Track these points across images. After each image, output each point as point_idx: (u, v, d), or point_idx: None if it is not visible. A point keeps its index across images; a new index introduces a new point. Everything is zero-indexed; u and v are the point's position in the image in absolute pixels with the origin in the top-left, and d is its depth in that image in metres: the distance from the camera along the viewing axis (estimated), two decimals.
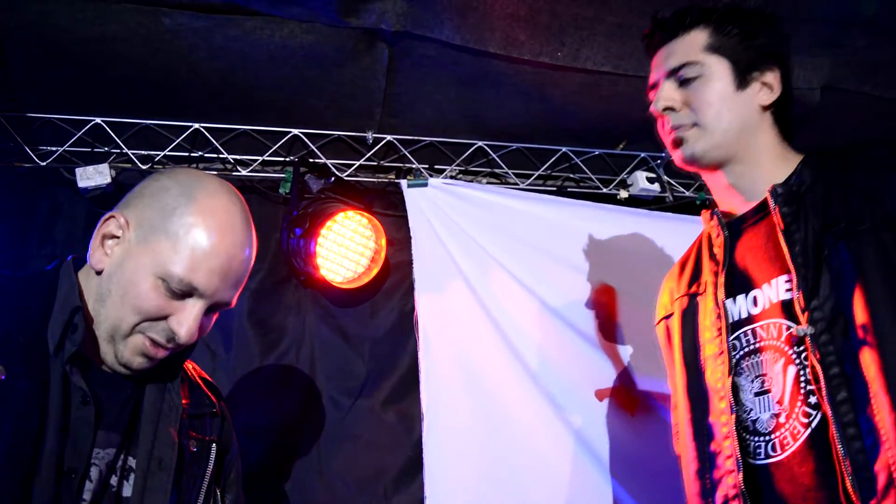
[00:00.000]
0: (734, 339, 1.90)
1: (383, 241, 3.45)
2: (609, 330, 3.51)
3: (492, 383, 3.38)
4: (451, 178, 3.73)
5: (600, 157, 3.84)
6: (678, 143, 1.93)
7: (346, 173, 3.61)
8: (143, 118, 3.32)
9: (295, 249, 3.36)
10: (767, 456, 1.79)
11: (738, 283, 1.92)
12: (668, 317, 2.19)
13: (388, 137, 3.55)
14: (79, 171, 3.19)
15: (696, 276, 2.09)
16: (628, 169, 3.90)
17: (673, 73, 1.94)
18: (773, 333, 1.81)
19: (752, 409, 1.84)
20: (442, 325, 3.40)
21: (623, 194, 3.85)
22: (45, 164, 3.28)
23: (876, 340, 1.60)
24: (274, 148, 3.48)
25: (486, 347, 3.40)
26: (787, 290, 1.78)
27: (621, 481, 3.33)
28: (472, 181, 3.80)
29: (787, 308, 1.78)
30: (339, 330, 3.54)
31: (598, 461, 3.35)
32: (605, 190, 3.87)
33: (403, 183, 3.53)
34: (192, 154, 3.46)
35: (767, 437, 1.80)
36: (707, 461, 1.92)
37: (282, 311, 3.50)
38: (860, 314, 1.63)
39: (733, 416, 1.84)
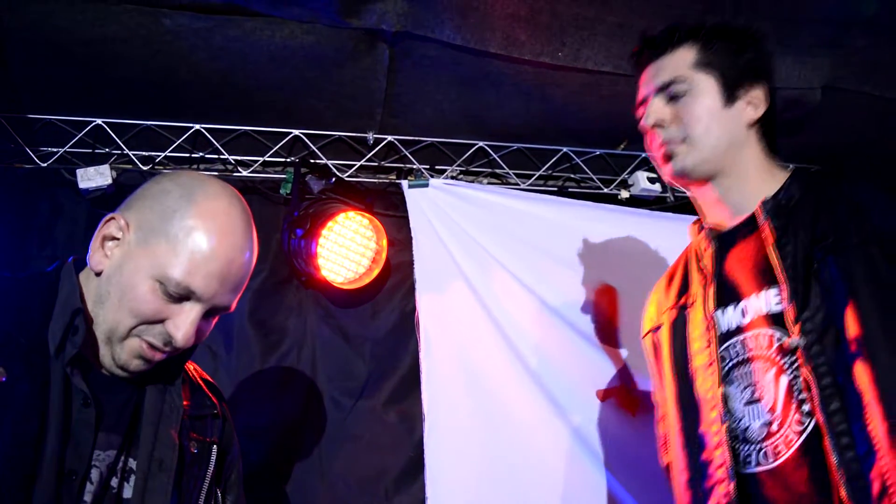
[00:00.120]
0: (724, 349, 1.93)
1: (384, 242, 3.45)
2: (610, 330, 3.51)
3: (493, 383, 3.38)
4: (452, 178, 3.73)
5: (601, 158, 3.83)
6: (668, 157, 1.96)
7: (347, 174, 3.61)
8: (143, 119, 3.32)
9: (296, 250, 3.36)
10: (759, 464, 1.81)
11: (728, 294, 1.95)
12: (656, 329, 2.22)
13: (389, 138, 3.55)
14: (79, 172, 3.19)
15: (684, 288, 2.12)
16: (629, 169, 3.90)
17: (662, 88, 1.97)
18: (761, 344, 1.84)
19: (743, 418, 1.86)
20: (443, 326, 3.40)
21: (624, 194, 3.85)
22: (45, 165, 3.28)
23: (868, 354, 1.63)
24: (275, 149, 3.48)
25: (487, 348, 3.40)
26: (777, 303, 1.81)
27: (622, 481, 3.33)
28: (472, 181, 3.80)
29: (776, 319, 1.81)
30: (341, 330, 3.54)
31: (598, 461, 3.35)
32: (605, 190, 3.87)
33: (404, 183, 3.53)
34: (193, 155, 3.46)
35: (759, 446, 1.82)
36: (698, 471, 1.94)
37: (283, 311, 3.50)
38: (852, 328, 1.67)
39: (724, 425, 1.87)
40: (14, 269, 3.12)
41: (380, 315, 3.61)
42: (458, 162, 3.71)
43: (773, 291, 1.83)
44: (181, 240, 1.61)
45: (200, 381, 1.97)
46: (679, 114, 1.94)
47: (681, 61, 1.97)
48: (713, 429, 1.90)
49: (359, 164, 3.61)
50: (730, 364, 1.91)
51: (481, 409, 3.35)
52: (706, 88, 1.94)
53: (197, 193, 1.67)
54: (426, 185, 3.51)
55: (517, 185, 3.81)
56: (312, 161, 3.54)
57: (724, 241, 1.99)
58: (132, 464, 1.68)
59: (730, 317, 1.94)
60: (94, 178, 3.19)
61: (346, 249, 3.39)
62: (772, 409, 1.80)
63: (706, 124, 1.92)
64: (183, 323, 1.63)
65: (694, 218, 2.15)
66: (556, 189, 3.90)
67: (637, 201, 3.85)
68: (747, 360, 1.87)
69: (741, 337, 1.90)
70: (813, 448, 1.70)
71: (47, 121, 3.23)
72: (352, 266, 3.42)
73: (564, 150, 3.76)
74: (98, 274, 1.67)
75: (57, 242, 3.29)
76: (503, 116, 3.45)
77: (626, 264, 3.51)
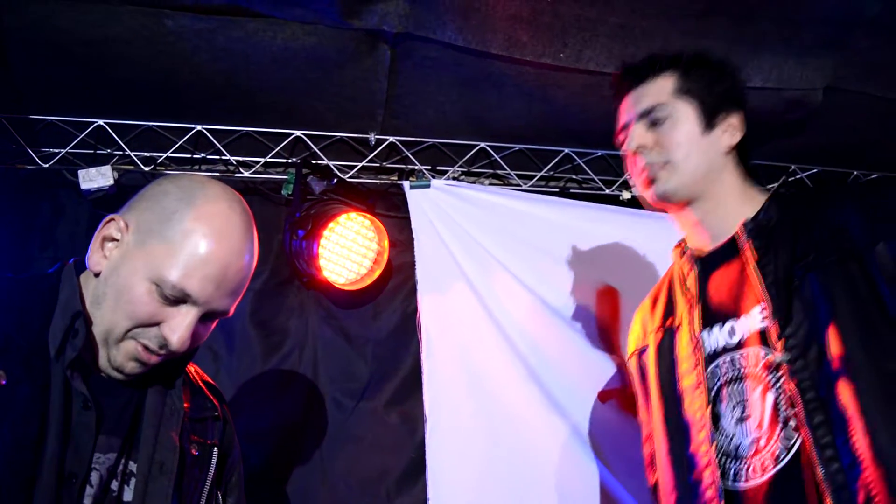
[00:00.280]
0: (713, 368, 1.99)
1: (386, 243, 3.45)
2: (611, 331, 3.51)
3: (494, 384, 3.38)
4: (454, 179, 3.73)
5: (603, 159, 3.83)
6: (650, 181, 2.03)
7: (349, 175, 3.61)
8: (145, 120, 3.32)
9: (297, 251, 3.36)
10: (748, 479, 1.86)
11: (713, 315, 2.02)
12: (642, 351, 2.29)
13: (391, 139, 3.54)
14: (81, 172, 3.19)
15: (669, 310, 2.19)
16: None
17: (644, 115, 2.05)
18: (751, 361, 1.90)
19: (734, 436, 1.91)
20: (444, 327, 3.40)
21: (626, 195, 3.85)
22: (47, 165, 3.28)
23: (851, 372, 1.70)
24: (276, 150, 3.48)
25: (488, 348, 3.40)
26: (763, 320, 1.87)
27: (623, 482, 3.32)
28: (474, 182, 3.80)
29: (763, 336, 1.87)
30: (342, 331, 3.54)
31: (600, 462, 3.35)
32: (607, 191, 3.87)
33: (406, 184, 3.53)
34: (195, 156, 3.46)
35: (748, 462, 1.87)
36: (688, 491, 2.00)
37: (284, 312, 3.50)
38: (834, 345, 1.74)
39: (713, 446, 1.93)
40: (16, 269, 3.12)
41: (381, 316, 3.61)
42: (460, 163, 3.71)
43: (758, 309, 1.89)
44: (178, 242, 1.61)
45: (201, 384, 1.97)
46: (660, 139, 2.02)
47: (661, 89, 2.06)
48: (702, 449, 1.95)
49: (360, 164, 3.60)
50: (719, 383, 1.97)
51: (483, 409, 3.35)
52: (686, 115, 2.02)
53: (196, 196, 1.67)
54: (428, 186, 3.52)
55: (519, 185, 3.81)
56: (314, 162, 3.54)
57: (706, 263, 2.07)
58: (132, 467, 1.68)
59: (716, 337, 2.00)
60: (96, 178, 3.19)
61: (347, 250, 3.39)
62: (759, 426, 1.86)
63: (686, 150, 1.99)
64: (178, 326, 1.61)
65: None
66: (557, 190, 3.89)
67: (639, 202, 3.84)
68: (738, 378, 1.92)
69: (731, 355, 1.96)
70: (799, 463, 1.76)
71: (49, 121, 3.23)
72: (353, 267, 3.42)
73: (566, 150, 3.76)
74: (97, 275, 1.66)
75: (58, 243, 3.29)
76: (505, 117, 3.45)
77: (627, 265, 3.50)
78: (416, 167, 3.66)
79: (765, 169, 4.04)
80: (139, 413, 1.73)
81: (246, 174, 3.51)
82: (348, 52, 2.92)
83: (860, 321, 1.74)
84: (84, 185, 3.18)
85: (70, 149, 3.28)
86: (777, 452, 1.81)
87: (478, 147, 3.67)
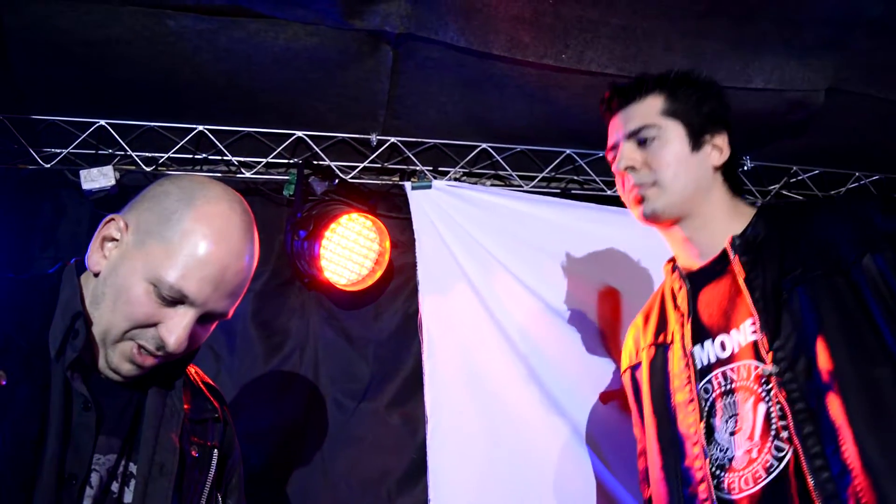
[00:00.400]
0: (705, 383, 2.03)
1: (387, 244, 3.45)
2: (613, 332, 3.51)
3: (496, 385, 3.38)
4: (455, 179, 3.73)
5: (605, 159, 3.77)
6: (640, 200, 2.08)
7: (350, 175, 3.61)
8: (147, 120, 3.32)
9: (299, 252, 3.36)
10: (741, 490, 1.90)
11: (704, 330, 2.06)
12: (635, 367, 2.35)
13: (392, 139, 3.54)
14: (83, 173, 3.19)
15: (661, 326, 2.25)
16: None
17: (633, 134, 2.11)
18: (743, 374, 1.94)
19: (728, 448, 1.95)
20: (446, 328, 3.40)
21: None
22: (49, 166, 3.28)
23: (839, 385, 1.75)
24: (278, 150, 3.48)
25: (490, 349, 3.40)
26: (753, 333, 1.91)
27: (625, 483, 3.32)
28: (476, 183, 3.81)
29: (755, 350, 1.91)
30: (343, 332, 3.54)
31: (601, 463, 3.35)
32: (609, 192, 3.87)
33: (407, 185, 3.53)
34: (196, 156, 3.47)
35: (741, 473, 1.91)
36: None
37: (286, 313, 3.50)
38: (823, 359, 1.78)
39: (707, 460, 1.98)
40: (17, 269, 3.12)
41: (383, 317, 3.61)
42: (462, 163, 3.71)
43: (748, 323, 1.94)
44: (177, 242, 1.60)
45: (201, 385, 1.97)
46: (649, 159, 2.07)
47: (650, 109, 2.11)
48: (696, 464, 2.00)
49: (362, 165, 3.60)
50: (712, 397, 2.01)
51: (484, 410, 3.34)
52: (674, 135, 2.07)
53: (197, 197, 1.66)
54: (429, 187, 3.51)
55: (520, 186, 3.81)
56: (316, 162, 3.54)
57: (696, 279, 2.12)
58: (132, 468, 1.68)
59: (708, 351, 2.05)
60: (98, 179, 3.19)
61: (349, 251, 3.39)
62: (750, 437, 1.90)
63: (675, 169, 2.05)
64: (176, 327, 1.61)
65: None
66: (559, 191, 3.89)
67: None
68: (731, 391, 1.97)
69: (723, 369, 2.00)
70: (790, 473, 1.80)
71: (51, 122, 3.23)
72: (355, 268, 3.42)
73: (568, 151, 3.76)
74: (96, 275, 1.66)
75: (60, 243, 3.29)
76: (506, 118, 3.45)
77: (628, 266, 3.50)
78: (418, 168, 3.66)
79: (766, 170, 4.04)
80: (139, 414, 1.72)
81: (247, 175, 3.51)
82: (350, 52, 2.92)
83: (847, 333, 1.78)
84: (86, 186, 3.18)
85: (72, 149, 3.28)
86: (768, 463, 1.85)
87: (479, 148, 3.67)
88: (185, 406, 1.80)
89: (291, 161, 3.56)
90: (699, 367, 2.06)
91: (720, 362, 2.01)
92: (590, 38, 2.91)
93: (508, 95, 3.24)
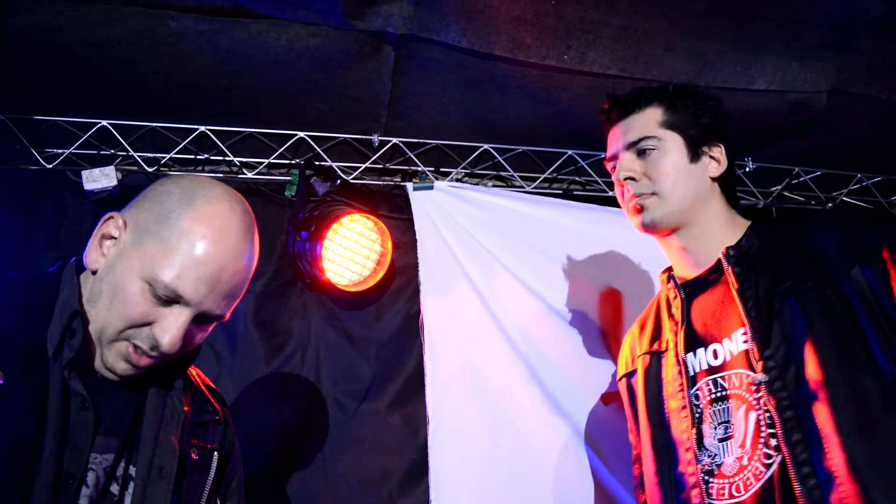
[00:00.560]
0: (696, 390, 2.07)
1: (389, 244, 3.45)
2: (614, 333, 3.50)
3: (497, 386, 3.38)
4: (457, 180, 3.73)
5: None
6: (639, 209, 2.13)
7: (352, 176, 3.61)
8: (149, 121, 3.32)
9: (300, 252, 3.36)
10: (731, 497, 1.94)
11: (697, 338, 2.10)
12: (630, 374, 2.40)
13: (394, 140, 3.55)
14: (85, 173, 3.19)
15: (656, 334, 2.29)
16: None
17: (632, 145, 2.15)
18: (735, 383, 1.98)
19: (717, 455, 1.99)
20: (447, 328, 3.39)
21: None
22: (51, 166, 3.28)
23: (826, 391, 1.79)
24: (280, 151, 3.49)
25: (491, 350, 3.40)
26: (744, 342, 1.96)
27: (626, 485, 3.32)
28: (477, 184, 3.80)
29: (747, 358, 1.95)
30: (345, 333, 3.54)
31: (602, 464, 3.34)
32: (611, 193, 3.86)
33: (409, 186, 3.53)
34: (198, 157, 3.47)
35: (732, 480, 1.94)
36: None
37: (287, 313, 3.50)
38: (812, 369, 1.83)
39: (699, 465, 2.02)
40: (19, 269, 3.12)
41: (384, 317, 3.61)
42: (463, 164, 3.71)
43: (740, 332, 1.98)
44: (174, 242, 1.59)
45: (203, 387, 1.96)
46: (648, 170, 2.12)
47: (649, 120, 2.15)
48: (689, 469, 2.04)
49: (364, 166, 3.60)
50: (704, 402, 2.05)
51: (485, 411, 3.34)
52: (673, 146, 2.12)
53: (196, 196, 1.66)
54: (431, 188, 3.51)
55: (522, 187, 3.81)
56: (317, 163, 3.54)
57: (690, 288, 2.16)
58: (132, 470, 1.67)
59: (701, 358, 2.09)
60: (100, 179, 3.19)
61: (350, 252, 3.39)
62: (741, 445, 1.94)
63: (674, 179, 2.10)
64: (170, 327, 1.59)
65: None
66: (561, 192, 3.89)
67: None
68: (723, 399, 2.00)
69: (715, 377, 2.04)
70: (779, 480, 1.83)
71: (52, 122, 3.23)
72: (356, 268, 3.42)
73: (570, 152, 3.76)
74: (94, 273, 1.65)
75: (62, 244, 3.29)
76: (508, 119, 3.45)
77: (630, 268, 3.50)
78: (420, 169, 3.66)
79: (768, 171, 4.04)
80: (139, 415, 1.72)
81: (249, 175, 3.51)
82: (352, 53, 2.92)
83: (836, 343, 1.82)
84: (87, 186, 3.18)
85: (74, 149, 3.29)
86: (758, 470, 1.89)
87: (481, 149, 3.67)
88: (186, 408, 1.79)
89: (293, 162, 3.56)
90: (691, 374, 2.10)
91: (711, 370, 2.05)
92: (591, 39, 2.91)
93: (510, 96, 3.24)
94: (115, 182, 3.20)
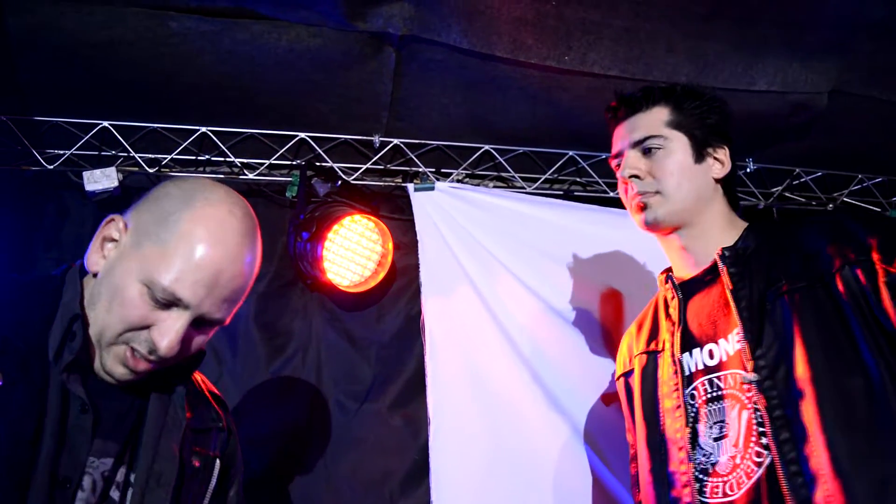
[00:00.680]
0: (692, 389, 2.09)
1: (390, 245, 3.45)
2: (615, 334, 3.50)
3: (498, 387, 3.38)
4: (458, 181, 3.73)
5: (607, 161, 3.81)
6: (642, 207, 2.15)
7: (353, 177, 3.61)
8: (150, 122, 3.32)
9: (301, 253, 3.36)
10: (725, 495, 1.96)
11: (693, 338, 2.13)
12: (628, 374, 2.44)
13: (395, 141, 3.55)
14: (86, 174, 3.19)
15: (653, 334, 2.32)
16: None
17: (638, 143, 2.17)
18: (730, 382, 2.01)
19: (711, 454, 2.01)
20: (448, 329, 3.39)
21: None
22: (52, 167, 3.28)
23: (813, 390, 1.81)
24: (281, 151, 3.49)
25: (492, 351, 3.40)
26: (738, 342, 1.98)
27: (627, 485, 3.31)
28: (478, 185, 3.80)
29: (741, 358, 1.97)
30: (346, 333, 3.54)
31: (603, 465, 3.34)
32: (612, 194, 3.87)
33: (410, 186, 3.53)
34: (200, 157, 3.47)
35: (725, 479, 1.96)
36: None
37: (288, 314, 3.50)
38: (800, 367, 1.85)
39: (691, 464, 2.04)
40: (20, 271, 3.12)
41: (385, 318, 3.61)
42: (464, 165, 3.71)
43: (734, 332, 2.00)
44: (173, 244, 1.58)
45: (207, 393, 1.95)
46: (653, 168, 2.14)
47: (656, 120, 2.18)
48: (682, 468, 2.06)
49: (365, 167, 3.61)
50: (699, 402, 2.07)
51: (486, 412, 3.34)
52: (679, 146, 2.14)
53: (196, 199, 1.64)
54: (432, 189, 3.52)
55: (523, 188, 3.81)
56: (318, 164, 3.54)
57: (687, 289, 2.18)
58: (131, 477, 1.66)
59: (696, 359, 2.11)
60: (101, 180, 3.19)
61: (351, 252, 3.39)
62: (735, 444, 1.96)
63: (678, 179, 2.12)
64: (168, 331, 1.58)
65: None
66: (561, 193, 3.89)
67: None
68: (718, 398, 2.03)
69: (710, 377, 2.06)
70: (769, 479, 1.85)
71: (54, 123, 3.23)
72: (357, 269, 3.42)
73: (570, 153, 3.76)
74: (95, 275, 1.65)
75: (63, 245, 3.29)
76: (509, 120, 3.45)
77: (631, 268, 3.50)
78: (421, 169, 3.66)
79: (769, 172, 4.04)
80: (141, 420, 1.70)
81: (250, 176, 3.51)
82: (353, 54, 2.93)
83: (825, 343, 1.84)
84: (89, 187, 3.18)
85: (75, 150, 3.29)
86: (750, 469, 1.90)
87: (482, 149, 3.67)
88: (188, 414, 1.78)
89: (294, 163, 3.56)
90: (686, 374, 2.12)
91: (707, 370, 2.07)
92: (593, 40, 2.91)
93: (511, 97, 3.24)
94: (116, 183, 3.20)
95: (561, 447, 3.35)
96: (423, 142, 3.60)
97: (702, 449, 2.03)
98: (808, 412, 1.80)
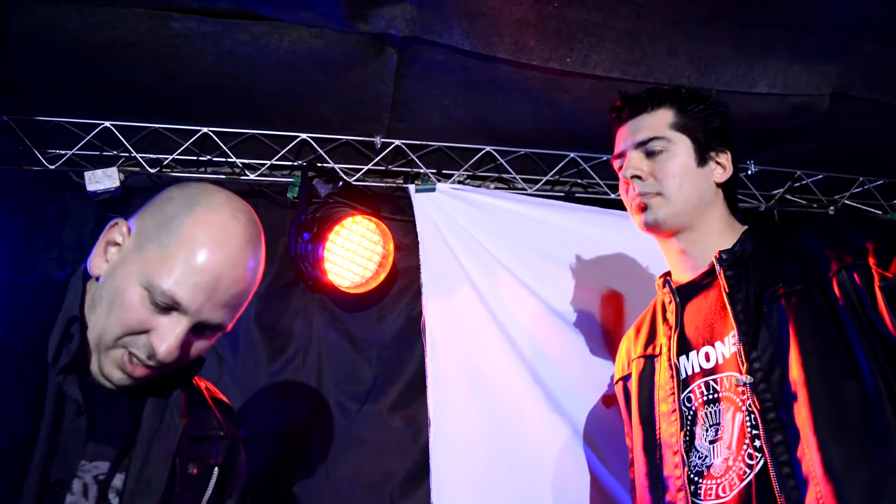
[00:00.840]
0: (688, 392, 2.10)
1: (391, 246, 3.45)
2: (616, 336, 3.50)
3: (499, 388, 3.38)
4: (459, 182, 3.73)
5: (608, 163, 3.81)
6: (643, 208, 2.15)
7: (354, 178, 3.61)
8: (151, 122, 3.32)
9: (303, 254, 3.36)
10: (717, 497, 1.96)
11: (689, 342, 2.13)
12: (626, 378, 2.43)
13: (397, 142, 3.55)
14: (87, 174, 3.20)
15: (651, 338, 2.32)
16: None
17: (641, 144, 2.18)
18: (726, 385, 2.01)
19: (707, 456, 2.01)
20: (449, 330, 3.40)
21: None
22: (53, 167, 3.28)
23: (807, 393, 1.81)
24: (282, 152, 3.49)
25: (493, 352, 3.40)
26: (734, 345, 1.98)
27: (628, 487, 3.32)
28: (479, 186, 3.80)
29: (737, 361, 1.97)
30: (347, 334, 3.54)
31: (604, 467, 3.34)
32: (613, 196, 3.87)
33: (411, 188, 3.54)
34: (201, 158, 3.47)
35: (719, 481, 1.97)
36: None
37: (289, 315, 3.50)
38: (795, 370, 1.85)
39: (686, 468, 2.04)
40: (21, 270, 3.12)
41: (386, 319, 3.61)
42: (466, 166, 3.71)
43: (731, 335, 2.00)
44: (173, 248, 1.57)
45: (210, 401, 1.93)
46: (655, 170, 2.14)
47: (660, 121, 2.18)
48: (676, 472, 2.07)
49: (366, 168, 3.61)
50: (694, 406, 2.08)
51: (487, 413, 3.34)
52: (682, 148, 2.14)
53: (198, 203, 1.63)
54: (433, 190, 3.52)
55: (524, 189, 3.81)
56: (320, 165, 3.54)
57: (685, 293, 2.19)
58: (119, 481, 1.64)
59: (692, 362, 2.11)
60: (102, 180, 3.19)
61: (352, 253, 3.39)
62: (728, 446, 1.96)
63: (680, 181, 2.11)
64: (167, 335, 1.56)
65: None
66: (563, 194, 3.90)
67: None
68: (715, 401, 2.03)
69: (706, 379, 2.06)
70: (762, 481, 1.86)
71: (55, 123, 3.24)
72: (358, 270, 3.42)
73: (572, 155, 3.76)
74: (98, 279, 1.64)
75: (64, 244, 3.29)
76: (510, 121, 3.45)
77: (632, 270, 3.50)
78: (422, 170, 3.66)
79: (770, 174, 4.03)
80: (138, 426, 1.69)
81: (251, 177, 3.51)
82: (355, 55, 2.93)
83: (820, 346, 1.84)
84: (90, 187, 3.18)
85: (76, 150, 3.29)
86: (742, 471, 1.91)
87: (483, 151, 3.67)
88: (184, 420, 1.76)
89: (295, 163, 3.56)
90: (683, 377, 2.12)
91: (704, 372, 2.07)
92: (594, 42, 2.91)
93: (513, 99, 3.25)
94: (117, 183, 3.20)
95: (561, 448, 3.35)
96: (424, 143, 3.60)
97: (698, 452, 2.04)
98: (802, 415, 1.80)
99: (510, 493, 3.28)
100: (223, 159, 3.48)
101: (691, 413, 2.08)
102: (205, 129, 3.37)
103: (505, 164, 3.72)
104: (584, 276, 3.51)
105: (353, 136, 3.52)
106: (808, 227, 2.07)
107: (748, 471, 1.89)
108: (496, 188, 3.84)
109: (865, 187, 4.19)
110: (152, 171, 3.38)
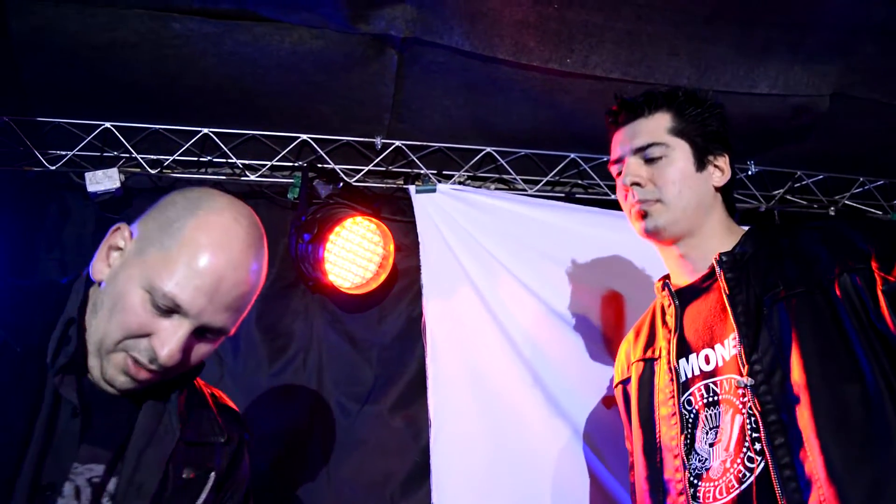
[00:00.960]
0: (688, 395, 2.09)
1: (391, 247, 3.45)
2: (616, 337, 3.50)
3: (499, 388, 3.38)
4: (460, 183, 3.74)
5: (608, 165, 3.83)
6: (643, 215, 2.13)
7: (355, 179, 3.61)
8: (152, 123, 3.32)
9: (303, 255, 3.36)
10: (716, 499, 1.96)
11: (689, 345, 2.12)
12: (626, 381, 2.42)
13: (397, 143, 3.55)
14: (88, 175, 3.20)
15: (650, 342, 2.31)
16: None
17: (640, 150, 2.15)
18: (726, 387, 2.00)
19: (706, 459, 2.01)
20: (449, 331, 3.40)
21: None
22: (54, 168, 3.29)
23: (809, 396, 1.81)
24: (283, 153, 3.49)
25: (493, 353, 3.40)
26: (734, 347, 1.97)
27: (628, 488, 3.32)
28: (480, 187, 3.80)
29: (738, 363, 1.96)
30: (347, 335, 3.54)
31: (604, 467, 3.34)
32: (613, 196, 3.86)
33: (412, 188, 3.54)
34: (201, 159, 3.47)
35: (717, 483, 1.96)
36: None
37: (289, 316, 3.50)
38: (796, 372, 1.84)
39: (686, 472, 2.04)
40: (21, 271, 3.13)
41: (386, 320, 3.61)
42: (466, 167, 3.71)
43: (731, 337, 1.99)
44: (175, 251, 1.56)
45: (214, 406, 1.92)
46: (654, 176, 2.11)
47: (658, 126, 2.15)
48: (677, 476, 2.06)
49: (366, 168, 3.61)
50: (695, 409, 2.07)
51: (487, 414, 3.34)
52: (680, 154, 2.12)
53: (200, 207, 1.63)
54: (433, 191, 3.52)
55: (524, 190, 3.81)
56: (320, 165, 3.54)
57: (684, 296, 2.18)
58: (112, 484, 1.62)
59: (692, 365, 2.10)
60: (103, 181, 3.20)
61: (353, 254, 3.39)
62: (727, 448, 1.96)
63: (679, 187, 2.09)
64: (168, 339, 1.56)
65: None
66: (563, 195, 3.90)
67: None
68: (715, 403, 2.02)
69: (706, 382, 2.05)
70: (763, 482, 1.85)
71: (56, 124, 3.24)
72: (359, 271, 3.42)
73: (572, 156, 3.76)
74: (100, 284, 1.64)
75: (65, 245, 3.29)
76: (511, 122, 3.46)
77: (632, 271, 3.50)
78: (422, 171, 3.66)
79: (770, 175, 4.04)
80: (133, 429, 1.68)
81: (252, 177, 3.51)
82: (355, 56, 2.93)
83: (822, 349, 1.84)
84: (91, 188, 3.19)
85: (77, 151, 3.29)
86: (741, 473, 1.90)
87: (484, 151, 3.68)
88: (180, 424, 1.75)
89: (296, 164, 3.56)
90: (683, 380, 2.11)
91: (704, 375, 2.06)
92: (595, 43, 2.92)
93: (513, 99, 3.25)
94: (118, 184, 3.21)
95: (561, 449, 3.35)
96: (424, 144, 3.61)
97: (697, 454, 2.03)
98: (804, 417, 1.80)
99: (510, 493, 3.28)
100: (224, 160, 3.48)
101: (692, 416, 2.07)
102: (205, 130, 3.37)
103: (505, 164, 3.72)
104: (584, 277, 3.50)
105: (354, 137, 3.52)
106: (808, 229, 2.06)
107: (747, 473, 1.89)
108: (496, 189, 3.84)
109: (866, 188, 4.19)
110: (153, 171, 3.38)
